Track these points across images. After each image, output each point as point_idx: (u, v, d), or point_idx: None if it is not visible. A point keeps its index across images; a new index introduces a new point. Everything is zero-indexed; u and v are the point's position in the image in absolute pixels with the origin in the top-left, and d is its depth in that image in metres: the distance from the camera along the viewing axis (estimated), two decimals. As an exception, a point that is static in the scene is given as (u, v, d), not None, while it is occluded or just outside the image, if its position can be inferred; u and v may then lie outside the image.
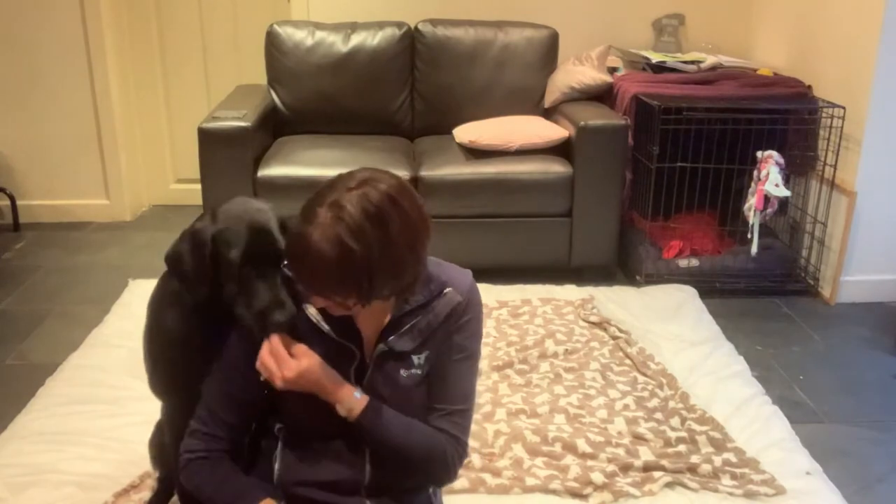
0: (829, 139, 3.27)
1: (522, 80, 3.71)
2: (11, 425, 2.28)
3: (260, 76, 3.82)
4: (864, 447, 2.36)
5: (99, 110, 3.98)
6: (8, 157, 4.02)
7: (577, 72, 3.60)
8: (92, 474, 2.06)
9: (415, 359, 1.50)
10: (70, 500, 1.98)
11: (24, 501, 1.97)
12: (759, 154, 3.20)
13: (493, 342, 2.78)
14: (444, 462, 1.50)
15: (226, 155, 3.18)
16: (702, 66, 3.64)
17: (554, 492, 2.04)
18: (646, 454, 2.18)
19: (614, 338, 2.84)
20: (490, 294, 3.14)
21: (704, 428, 2.30)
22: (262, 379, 1.44)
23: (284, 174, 3.21)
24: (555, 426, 2.29)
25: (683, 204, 3.38)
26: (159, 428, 1.82)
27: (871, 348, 2.95)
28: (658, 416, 2.37)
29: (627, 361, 2.70)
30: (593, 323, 2.94)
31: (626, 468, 2.12)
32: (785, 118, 3.34)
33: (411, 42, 3.72)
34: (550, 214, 3.32)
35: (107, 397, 2.41)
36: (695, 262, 3.38)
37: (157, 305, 1.62)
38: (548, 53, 3.74)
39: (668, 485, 2.07)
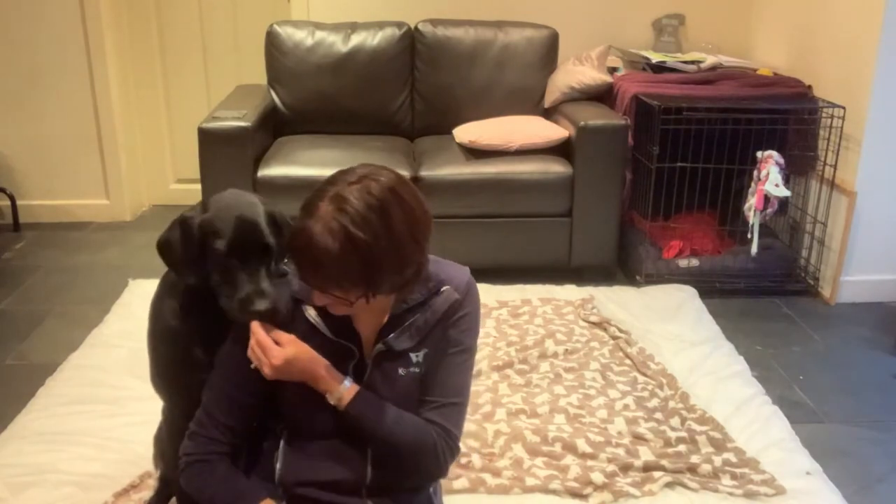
0: (829, 139, 3.27)
1: (522, 80, 3.71)
2: (11, 425, 2.28)
3: (260, 76, 3.82)
4: (864, 447, 2.36)
5: (99, 110, 3.98)
6: (8, 157, 4.02)
7: (577, 72, 3.60)
8: (92, 474, 2.06)
9: (413, 357, 1.51)
10: (70, 500, 1.98)
11: (24, 501, 1.97)
12: (759, 154, 3.20)
13: (493, 342, 2.78)
14: (434, 455, 1.49)
15: (226, 155, 3.18)
16: (702, 66, 3.64)
17: (554, 492, 2.04)
18: (646, 454, 2.18)
19: (614, 338, 2.84)
20: (490, 294, 3.14)
21: (704, 428, 2.30)
22: (252, 367, 1.45)
23: (284, 174, 3.22)
24: (555, 426, 2.29)
25: (683, 204, 3.38)
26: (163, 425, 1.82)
27: (871, 348, 2.95)
28: (658, 416, 2.37)
29: (627, 361, 2.70)
30: (593, 323, 2.94)
31: (626, 468, 2.12)
32: (785, 118, 3.34)
33: (411, 42, 3.72)
34: (550, 214, 3.32)
35: (107, 397, 2.41)
36: (695, 262, 3.38)
37: (158, 300, 1.63)
38: (548, 53, 3.74)
39: (668, 485, 2.07)
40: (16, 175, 4.05)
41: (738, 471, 2.11)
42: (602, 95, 3.60)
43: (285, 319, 1.49)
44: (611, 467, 2.11)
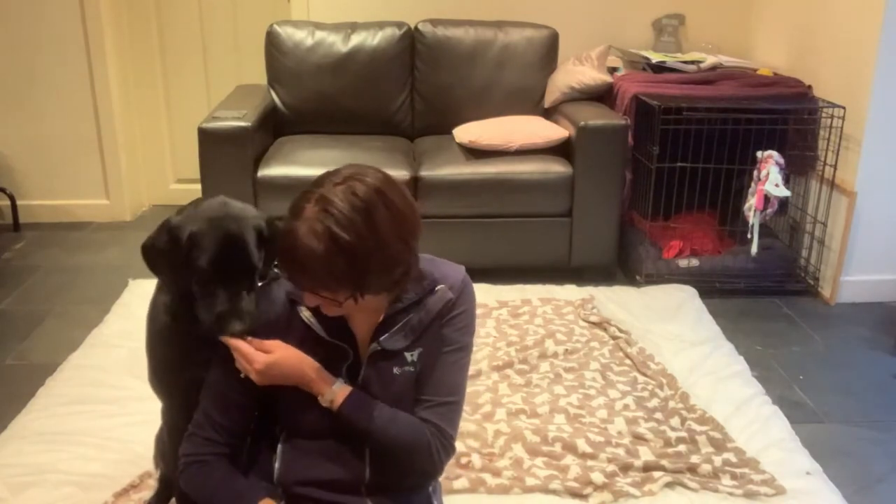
0: (829, 139, 3.27)
1: (522, 80, 3.71)
2: (11, 425, 2.28)
3: (260, 76, 3.82)
4: (864, 447, 2.36)
5: (99, 110, 3.98)
6: (8, 157, 4.02)
7: (577, 72, 3.60)
8: (92, 474, 2.06)
9: (408, 356, 1.51)
10: (70, 500, 1.98)
11: (24, 501, 1.97)
12: (759, 154, 3.20)
13: (493, 342, 2.78)
14: (428, 453, 1.49)
15: (226, 155, 3.18)
16: (702, 66, 3.64)
17: (554, 492, 2.04)
18: (646, 454, 2.18)
19: (614, 338, 2.84)
20: (490, 294, 3.14)
21: (704, 428, 2.30)
22: (242, 377, 1.46)
23: (284, 174, 3.21)
24: (555, 426, 2.29)
25: (683, 204, 3.38)
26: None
27: (871, 348, 2.95)
28: (658, 416, 2.37)
29: (627, 361, 2.70)
30: (593, 323, 2.94)
31: (626, 468, 2.12)
32: (785, 118, 3.34)
33: (411, 42, 3.72)
34: (550, 214, 3.32)
35: (107, 397, 2.41)
36: (695, 262, 3.38)
37: (154, 299, 1.63)
38: (548, 53, 3.74)
39: (668, 485, 2.07)
40: (16, 175, 4.05)
41: (738, 471, 2.11)
42: (602, 95, 3.60)
43: (281, 321, 1.49)
44: (611, 467, 2.11)
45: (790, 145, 3.38)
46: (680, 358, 2.71)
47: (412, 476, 1.57)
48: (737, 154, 3.30)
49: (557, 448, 2.19)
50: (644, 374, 2.61)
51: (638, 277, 3.37)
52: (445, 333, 1.52)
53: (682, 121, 3.19)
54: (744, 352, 2.79)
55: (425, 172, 3.27)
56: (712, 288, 3.31)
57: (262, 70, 3.74)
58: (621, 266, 3.54)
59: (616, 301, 3.14)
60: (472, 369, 2.43)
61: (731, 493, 2.04)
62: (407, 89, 3.75)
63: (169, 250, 1.46)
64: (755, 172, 3.20)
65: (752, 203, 3.19)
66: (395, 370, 1.50)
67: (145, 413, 2.12)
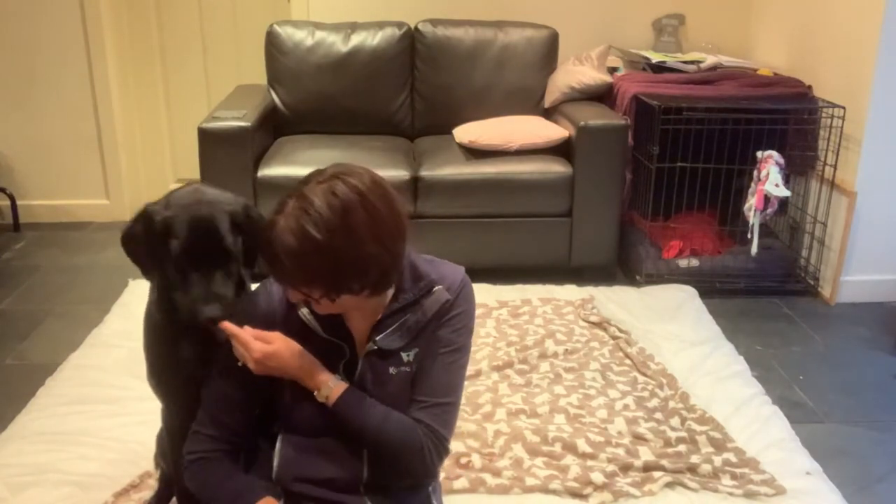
0: (829, 139, 3.27)
1: (522, 80, 3.71)
2: (11, 425, 2.28)
3: (260, 76, 3.82)
4: (864, 447, 2.36)
5: (99, 110, 3.98)
6: (8, 157, 4.02)
7: (577, 72, 3.60)
8: (92, 474, 2.06)
9: (404, 356, 1.51)
10: (70, 500, 1.98)
11: (24, 501, 1.97)
12: (759, 154, 3.20)
13: (493, 342, 2.78)
14: (420, 454, 1.48)
15: (226, 155, 3.18)
16: (702, 66, 3.64)
17: (554, 492, 2.04)
18: (646, 454, 2.18)
19: (614, 338, 2.84)
20: (490, 294, 3.14)
21: (704, 428, 2.30)
22: (240, 364, 1.46)
23: (284, 174, 3.21)
24: (555, 426, 2.29)
25: (683, 204, 3.38)
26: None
27: (871, 348, 2.95)
28: (658, 416, 2.37)
29: (627, 361, 2.70)
30: (593, 323, 2.95)
31: (626, 468, 2.12)
32: (785, 118, 3.34)
33: (411, 42, 3.72)
34: (550, 214, 3.32)
35: (107, 397, 2.41)
36: (695, 262, 3.38)
37: (149, 298, 1.63)
38: (548, 53, 3.74)
39: (668, 485, 2.07)
40: (16, 175, 4.05)
41: (738, 471, 2.11)
42: (602, 95, 3.60)
43: (276, 316, 1.50)
44: (611, 467, 2.11)
45: (790, 145, 3.38)
46: (680, 358, 2.71)
47: (407, 476, 1.57)
48: (737, 154, 3.30)
49: (557, 448, 2.19)
50: (644, 374, 2.61)
51: (638, 277, 3.37)
52: (442, 334, 1.51)
53: (682, 121, 3.19)
54: (744, 352, 2.79)
55: (425, 172, 3.27)
56: (712, 288, 3.31)
57: (262, 70, 3.74)
58: (621, 266, 3.54)
59: (616, 301, 3.14)
60: (471, 369, 2.44)
61: (731, 493, 2.04)
62: (407, 89, 3.75)
63: (145, 237, 1.47)
64: (755, 172, 3.20)
65: (752, 203, 3.19)
66: (392, 370, 1.50)
67: (145, 413, 2.12)
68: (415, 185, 3.24)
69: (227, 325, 1.43)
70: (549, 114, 3.68)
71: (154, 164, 4.30)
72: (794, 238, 3.52)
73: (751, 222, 3.20)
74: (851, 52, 3.21)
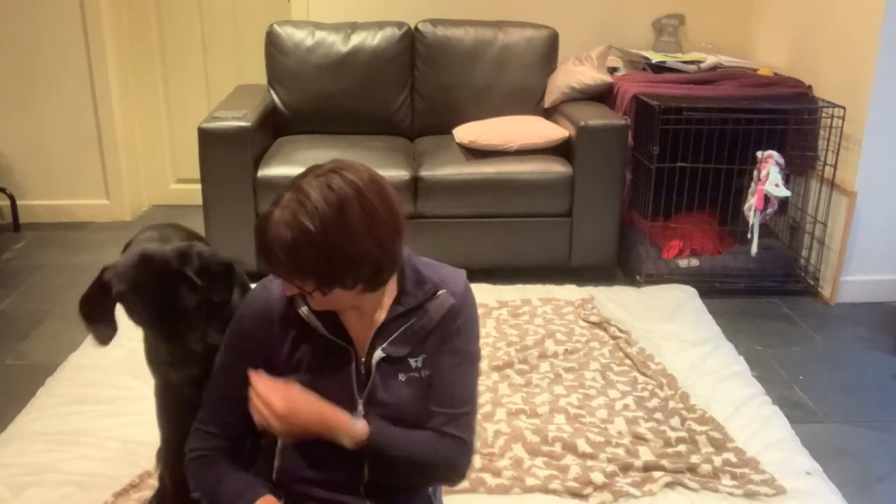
0: (829, 139, 3.27)
1: (522, 80, 3.71)
2: (11, 425, 2.28)
3: (260, 76, 3.82)
4: (864, 447, 2.36)
5: (99, 110, 3.98)
6: (8, 157, 4.02)
7: (577, 72, 3.60)
8: (92, 474, 2.06)
9: (412, 362, 1.50)
10: (70, 500, 1.98)
11: (24, 501, 1.97)
12: (759, 154, 3.20)
13: (493, 342, 2.78)
14: (451, 465, 1.49)
15: (226, 155, 3.18)
16: (702, 66, 3.64)
17: (554, 492, 2.04)
18: (646, 454, 2.18)
19: (614, 338, 2.84)
20: (490, 294, 3.14)
21: (704, 428, 2.30)
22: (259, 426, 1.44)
23: (284, 174, 3.21)
24: (555, 426, 2.29)
25: (683, 204, 3.38)
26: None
27: (871, 348, 2.95)
28: (658, 416, 2.37)
29: (627, 361, 2.70)
30: (593, 323, 2.95)
31: (626, 468, 2.12)
32: (785, 118, 3.34)
33: (411, 42, 3.72)
34: (550, 214, 3.32)
35: (107, 397, 2.41)
36: (695, 262, 3.38)
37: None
38: (548, 53, 3.74)
39: (668, 485, 2.07)
40: (16, 175, 4.05)
41: (738, 471, 2.11)
42: (602, 95, 3.60)
43: (273, 313, 1.48)
44: (611, 467, 2.11)
45: (790, 145, 3.38)
46: (680, 358, 2.71)
47: (432, 483, 1.57)
48: (737, 154, 3.30)
49: (557, 448, 2.19)
50: (644, 374, 2.61)
51: (638, 277, 3.37)
52: (455, 345, 1.51)
53: (682, 121, 3.19)
54: (744, 352, 2.79)
55: (425, 172, 3.27)
56: (712, 288, 3.31)
57: (262, 70, 3.74)
58: (621, 266, 3.54)
59: (616, 301, 3.14)
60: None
61: (731, 493, 2.04)
62: (407, 89, 3.75)
63: (102, 305, 1.45)
64: (755, 172, 3.20)
65: (752, 203, 3.19)
66: (401, 376, 1.50)
67: (145, 413, 2.11)
68: (415, 185, 3.24)
69: (253, 390, 1.41)
70: (549, 114, 3.68)
71: (154, 164, 4.30)
72: (794, 238, 3.52)
73: (751, 222, 3.20)
74: (851, 52, 3.21)
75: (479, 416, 2.32)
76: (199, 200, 3.26)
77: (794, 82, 3.48)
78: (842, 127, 3.21)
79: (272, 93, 3.71)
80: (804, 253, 3.44)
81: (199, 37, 4.13)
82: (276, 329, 1.48)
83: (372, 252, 1.36)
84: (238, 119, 3.21)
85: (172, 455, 1.59)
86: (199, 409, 1.55)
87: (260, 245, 1.36)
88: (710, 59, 3.68)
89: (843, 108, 3.19)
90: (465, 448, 1.51)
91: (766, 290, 3.35)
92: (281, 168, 3.24)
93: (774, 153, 3.17)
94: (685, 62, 3.66)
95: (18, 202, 4.02)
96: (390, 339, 1.49)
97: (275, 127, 3.67)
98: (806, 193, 3.45)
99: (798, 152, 3.38)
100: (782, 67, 3.71)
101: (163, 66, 4.16)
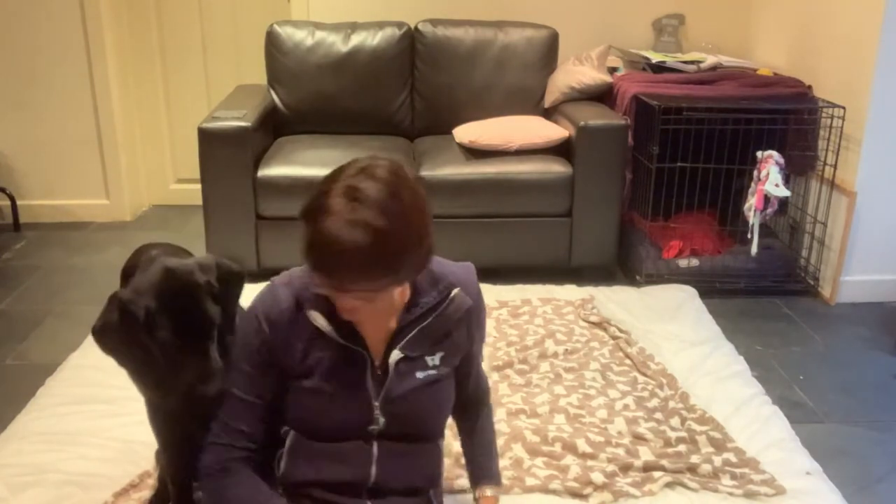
0: (829, 139, 3.27)
1: (522, 80, 3.72)
2: (11, 425, 2.28)
3: (260, 76, 3.82)
4: (864, 447, 2.36)
5: (99, 110, 3.98)
6: (8, 157, 4.02)
7: (577, 72, 3.60)
8: (92, 474, 2.06)
9: (429, 360, 1.50)
10: (70, 500, 1.97)
11: (24, 501, 1.96)
12: (759, 154, 3.20)
13: (493, 342, 2.78)
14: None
15: (226, 155, 3.18)
16: (702, 66, 3.64)
17: (554, 492, 2.04)
18: (646, 454, 2.18)
19: (614, 338, 2.84)
20: (490, 294, 3.14)
21: (704, 428, 2.30)
22: (247, 369, 1.49)
23: (284, 174, 3.21)
24: (555, 426, 2.29)
25: (683, 204, 3.38)
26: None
27: (871, 348, 2.95)
28: (658, 416, 2.37)
29: (627, 361, 2.70)
30: (593, 323, 2.94)
31: (626, 468, 2.12)
32: (785, 118, 3.34)
33: (411, 42, 3.72)
34: (550, 214, 3.32)
35: (107, 397, 2.41)
36: (695, 262, 3.38)
37: None
38: (548, 53, 3.74)
39: (668, 485, 2.07)
40: (16, 175, 4.05)
41: (738, 471, 2.11)
42: (602, 95, 3.60)
43: (283, 320, 1.46)
44: (611, 467, 2.11)
45: (790, 145, 3.38)
46: (680, 358, 2.71)
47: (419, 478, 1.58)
48: (737, 154, 3.30)
49: (557, 448, 2.19)
50: (644, 374, 2.61)
51: (638, 277, 3.37)
52: (477, 336, 1.61)
53: (682, 121, 3.19)
54: (744, 352, 2.79)
55: (425, 172, 3.27)
56: (712, 288, 3.31)
57: (262, 70, 3.74)
58: (621, 266, 3.54)
59: (616, 301, 3.14)
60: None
61: (731, 493, 2.04)
62: (407, 89, 3.75)
63: (123, 330, 1.41)
64: (755, 172, 3.20)
65: (752, 203, 3.19)
66: (419, 374, 1.50)
67: (145, 413, 2.12)
68: (415, 185, 3.24)
69: None
70: (549, 114, 3.68)
71: (154, 164, 4.30)
72: (794, 238, 3.52)
73: (751, 222, 3.20)
74: (851, 52, 3.21)
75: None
76: (199, 200, 3.26)
77: (793, 82, 3.48)
78: (842, 127, 3.21)
79: (272, 93, 3.71)
80: (804, 253, 3.44)
81: (199, 37, 4.13)
82: (287, 334, 1.46)
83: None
84: (238, 119, 3.21)
85: (181, 478, 1.59)
86: (195, 421, 1.52)
87: (327, 261, 1.28)
88: (710, 59, 3.68)
89: (843, 107, 3.20)
90: (489, 398, 1.79)
91: (766, 290, 3.35)
92: (281, 168, 3.24)
93: (774, 153, 3.17)
94: (685, 62, 3.66)
95: (18, 202, 4.02)
96: (407, 338, 1.48)
97: (275, 127, 3.67)
98: (806, 193, 3.45)
99: (798, 152, 3.38)
100: (782, 67, 3.71)
101: (163, 66, 4.16)
